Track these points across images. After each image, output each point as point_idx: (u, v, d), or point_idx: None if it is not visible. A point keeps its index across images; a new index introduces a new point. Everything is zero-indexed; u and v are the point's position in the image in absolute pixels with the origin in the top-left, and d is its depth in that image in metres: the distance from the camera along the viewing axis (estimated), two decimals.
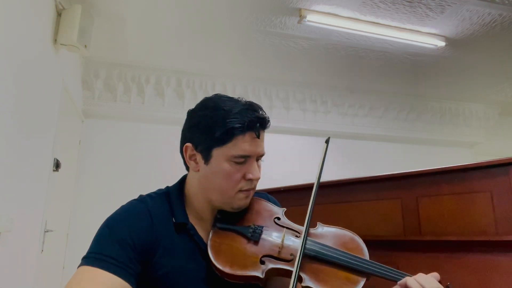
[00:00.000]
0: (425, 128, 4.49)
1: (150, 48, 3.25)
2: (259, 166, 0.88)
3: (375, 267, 0.80)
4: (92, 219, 3.46)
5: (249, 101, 0.86)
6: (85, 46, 2.45)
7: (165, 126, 3.74)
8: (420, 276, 0.75)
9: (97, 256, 0.75)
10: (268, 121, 0.86)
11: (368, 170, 1.43)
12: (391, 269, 0.80)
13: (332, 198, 1.54)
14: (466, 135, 4.62)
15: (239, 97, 0.88)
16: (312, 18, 2.72)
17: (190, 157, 0.87)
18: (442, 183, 1.23)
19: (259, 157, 0.87)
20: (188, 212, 0.89)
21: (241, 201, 0.87)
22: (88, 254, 0.77)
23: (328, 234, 0.88)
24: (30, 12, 1.98)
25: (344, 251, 0.82)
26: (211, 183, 0.85)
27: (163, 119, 3.71)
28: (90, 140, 3.49)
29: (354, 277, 0.79)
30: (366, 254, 0.84)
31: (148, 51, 3.30)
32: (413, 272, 1.18)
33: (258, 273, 0.78)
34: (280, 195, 1.65)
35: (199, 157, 0.86)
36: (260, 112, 0.85)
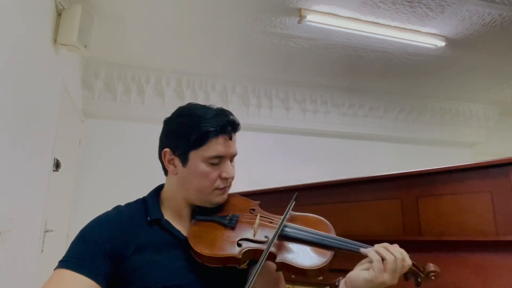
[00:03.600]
0: (425, 128, 4.49)
1: (150, 48, 3.25)
2: (233, 166, 0.95)
3: (339, 241, 0.87)
4: (92, 219, 3.47)
5: (220, 107, 0.95)
6: (85, 46, 2.45)
7: None
8: (382, 243, 0.83)
9: (68, 259, 0.83)
10: (239, 124, 0.95)
11: (368, 170, 1.43)
12: (354, 242, 0.86)
13: (332, 198, 1.54)
14: (466, 135, 4.62)
15: (210, 105, 0.96)
16: (312, 18, 2.72)
17: (169, 161, 0.94)
18: (442, 183, 1.23)
19: (232, 157, 0.94)
20: (163, 211, 0.94)
21: (217, 197, 0.94)
22: (62, 258, 0.85)
23: (298, 218, 0.96)
24: (30, 12, 1.98)
25: (314, 230, 0.89)
26: (189, 184, 0.92)
27: (163, 119, 3.71)
28: (90, 140, 3.49)
29: (322, 251, 0.85)
30: (333, 233, 0.91)
31: (148, 51, 3.30)
32: None
33: (235, 253, 0.84)
34: (280, 195, 1.65)
35: (177, 160, 0.93)
36: (231, 117, 0.94)
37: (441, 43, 3.05)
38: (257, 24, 2.87)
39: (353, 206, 1.47)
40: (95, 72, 3.45)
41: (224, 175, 0.91)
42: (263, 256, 0.80)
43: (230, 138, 0.92)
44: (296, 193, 0.97)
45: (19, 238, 2.00)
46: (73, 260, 0.83)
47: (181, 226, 0.93)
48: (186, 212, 0.95)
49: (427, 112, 4.46)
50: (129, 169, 3.52)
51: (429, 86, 4.07)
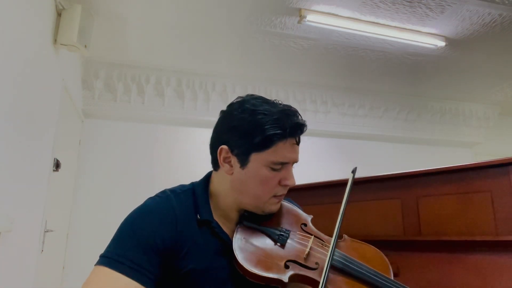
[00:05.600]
0: (425, 128, 4.49)
1: (150, 48, 3.25)
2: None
3: (397, 286, 0.78)
4: (92, 219, 3.47)
5: (287, 105, 0.85)
6: (85, 46, 2.45)
7: (165, 126, 3.74)
8: None
9: (116, 257, 0.74)
10: (306, 126, 0.85)
11: (368, 170, 1.43)
12: None
13: (332, 198, 1.54)
14: (466, 135, 4.62)
15: (275, 100, 0.87)
16: (312, 18, 2.72)
17: (225, 159, 0.85)
18: (442, 183, 1.23)
19: (294, 163, 0.87)
20: (212, 210, 0.87)
21: (272, 206, 0.87)
22: (107, 253, 0.76)
23: (355, 248, 0.88)
24: (30, 12, 1.98)
25: (370, 267, 0.81)
26: (245, 187, 0.84)
27: (163, 119, 3.71)
28: (90, 140, 3.49)
29: None
30: (391, 273, 0.83)
31: (148, 51, 3.30)
32: (413, 272, 1.18)
33: (282, 276, 0.76)
34: None
35: (234, 160, 0.84)
36: (299, 117, 0.85)
37: (441, 43, 3.05)
38: (257, 24, 2.87)
39: (353, 206, 1.47)
40: (95, 72, 3.45)
41: (285, 182, 0.84)
42: None
43: (298, 143, 0.84)
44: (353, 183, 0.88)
45: (19, 238, 2.00)
46: (121, 259, 0.74)
47: (228, 229, 0.87)
48: (234, 215, 0.88)
49: (427, 112, 4.46)
50: (129, 169, 3.51)
51: (429, 86, 4.07)
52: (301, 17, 2.70)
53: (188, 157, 3.61)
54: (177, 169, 3.57)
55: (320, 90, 4.08)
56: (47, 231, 2.47)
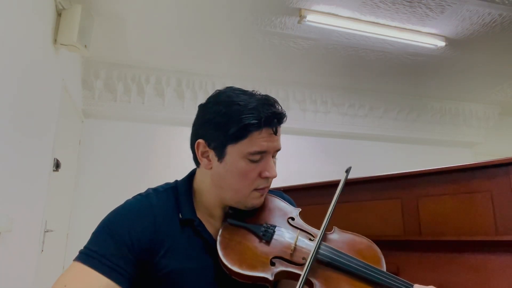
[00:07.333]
0: (425, 128, 4.49)
1: (150, 48, 3.25)
2: (274, 163, 0.84)
3: (391, 280, 0.75)
4: (92, 219, 3.46)
5: (265, 95, 0.82)
6: (85, 46, 2.45)
7: (165, 126, 3.74)
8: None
9: (91, 253, 0.75)
10: (285, 115, 0.82)
11: (368, 170, 1.43)
12: (407, 283, 0.75)
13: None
14: (466, 135, 4.62)
15: (253, 90, 0.84)
16: (312, 18, 2.72)
17: (203, 154, 0.84)
18: (442, 183, 1.23)
19: (275, 152, 0.83)
20: (196, 208, 0.85)
21: (255, 200, 0.84)
22: (84, 249, 0.77)
23: (344, 240, 0.85)
24: (30, 12, 1.98)
25: (360, 259, 0.78)
26: (225, 182, 0.82)
27: (163, 119, 3.71)
28: (90, 140, 3.49)
29: (367, 287, 0.75)
30: (383, 264, 0.81)
31: (148, 51, 3.30)
32: (413, 272, 1.18)
33: (267, 274, 0.74)
34: None
35: (212, 154, 0.82)
36: (277, 106, 0.81)
37: (441, 43, 3.05)
38: (257, 24, 2.87)
39: (353, 206, 1.47)
40: (95, 72, 3.45)
41: (265, 174, 0.80)
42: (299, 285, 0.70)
43: (275, 133, 0.80)
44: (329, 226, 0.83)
45: (19, 238, 2.00)
46: (97, 256, 0.74)
47: (212, 227, 0.85)
48: (218, 212, 0.86)
49: (427, 112, 4.46)
50: (129, 169, 3.52)
51: (429, 86, 4.07)
52: (301, 17, 2.70)
53: (188, 157, 3.59)
54: (177, 169, 3.56)
55: (320, 90, 4.08)
56: (47, 231, 2.47)
